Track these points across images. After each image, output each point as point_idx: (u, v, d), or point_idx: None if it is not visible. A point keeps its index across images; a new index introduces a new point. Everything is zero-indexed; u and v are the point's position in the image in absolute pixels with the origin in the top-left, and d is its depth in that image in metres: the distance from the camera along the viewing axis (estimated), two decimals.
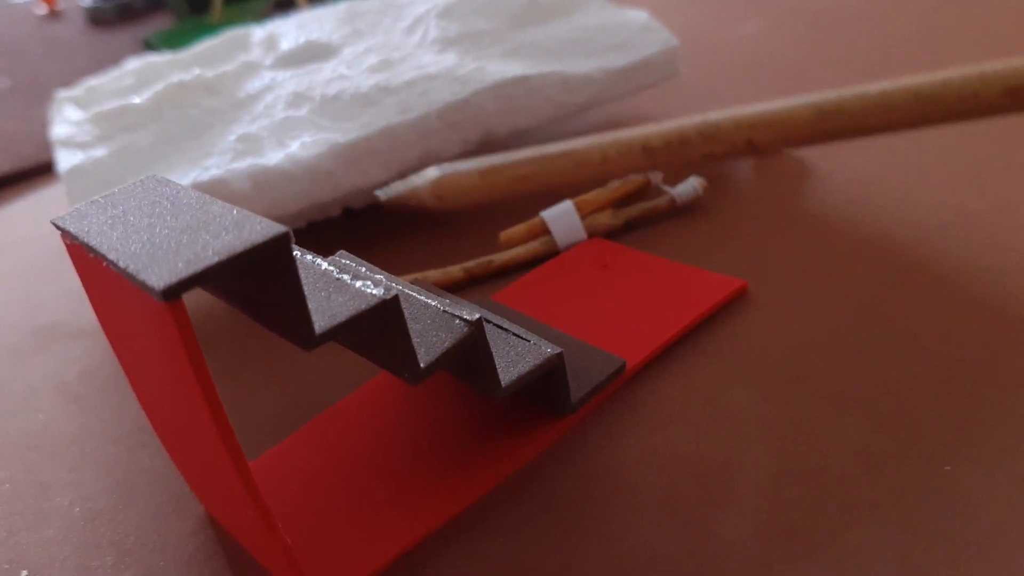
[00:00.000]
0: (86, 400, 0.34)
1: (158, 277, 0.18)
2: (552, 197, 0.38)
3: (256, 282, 0.20)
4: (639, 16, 0.43)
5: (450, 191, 0.19)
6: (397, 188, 0.19)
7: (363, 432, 0.28)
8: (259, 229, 0.19)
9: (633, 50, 0.41)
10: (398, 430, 0.27)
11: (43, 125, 0.63)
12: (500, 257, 0.35)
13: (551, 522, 0.24)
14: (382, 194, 0.19)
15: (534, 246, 0.36)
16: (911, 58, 0.48)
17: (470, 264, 0.35)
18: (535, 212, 0.39)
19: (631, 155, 0.17)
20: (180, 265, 0.18)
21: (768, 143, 0.17)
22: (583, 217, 0.36)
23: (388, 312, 0.21)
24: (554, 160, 0.17)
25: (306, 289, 0.22)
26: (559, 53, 0.41)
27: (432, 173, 0.19)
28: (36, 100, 0.71)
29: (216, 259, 0.18)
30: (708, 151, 0.17)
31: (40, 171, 0.58)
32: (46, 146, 0.59)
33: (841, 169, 0.39)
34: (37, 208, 0.54)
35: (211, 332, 0.36)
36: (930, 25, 0.51)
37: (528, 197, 0.39)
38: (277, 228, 0.19)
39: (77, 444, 0.31)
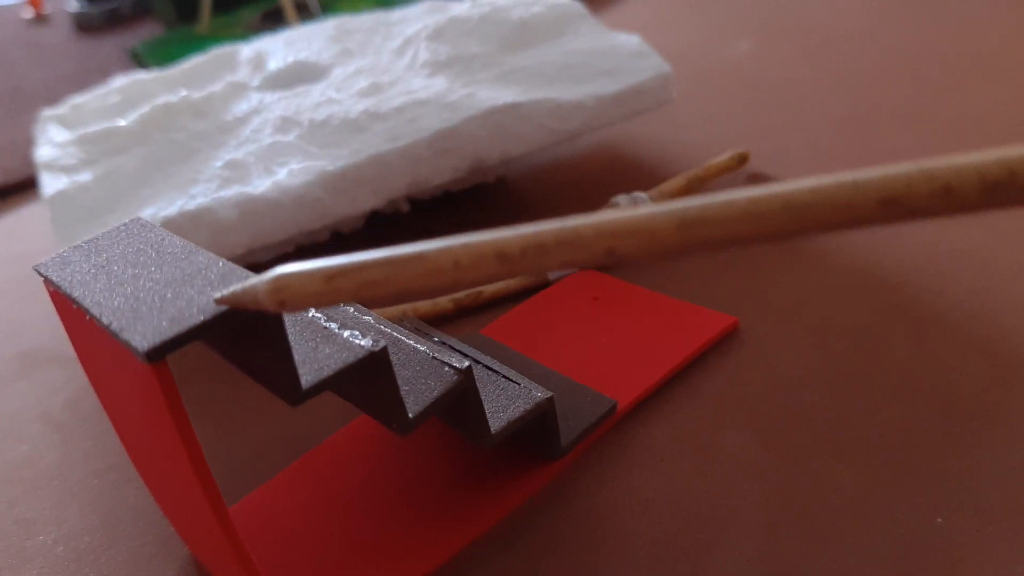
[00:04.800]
0: (70, 430, 0.33)
1: (142, 337, 0.18)
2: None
3: (242, 337, 0.20)
4: (631, 40, 0.43)
5: (292, 296, 0.17)
6: (235, 290, 0.17)
7: (349, 473, 0.27)
8: None
9: (625, 76, 0.41)
10: (384, 471, 0.27)
11: (27, 138, 0.62)
12: (490, 288, 0.35)
13: (540, 571, 0.24)
14: (217, 295, 0.17)
15: (524, 277, 0.36)
16: (907, 75, 0.48)
17: (459, 295, 0.35)
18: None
19: (484, 262, 0.16)
20: (164, 324, 0.18)
21: (630, 253, 0.15)
22: None
23: (376, 364, 0.21)
24: (405, 265, 0.16)
25: (293, 340, 0.21)
26: (550, 79, 0.41)
27: (271, 275, 0.17)
28: (19, 110, 0.70)
29: (201, 318, 0.18)
30: (566, 259, 0.15)
31: (23, 187, 0.57)
32: (29, 160, 0.58)
33: None
34: (20, 225, 0.53)
35: (198, 362, 0.36)
36: (925, 42, 0.51)
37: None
38: None
39: (61, 478, 0.31)
